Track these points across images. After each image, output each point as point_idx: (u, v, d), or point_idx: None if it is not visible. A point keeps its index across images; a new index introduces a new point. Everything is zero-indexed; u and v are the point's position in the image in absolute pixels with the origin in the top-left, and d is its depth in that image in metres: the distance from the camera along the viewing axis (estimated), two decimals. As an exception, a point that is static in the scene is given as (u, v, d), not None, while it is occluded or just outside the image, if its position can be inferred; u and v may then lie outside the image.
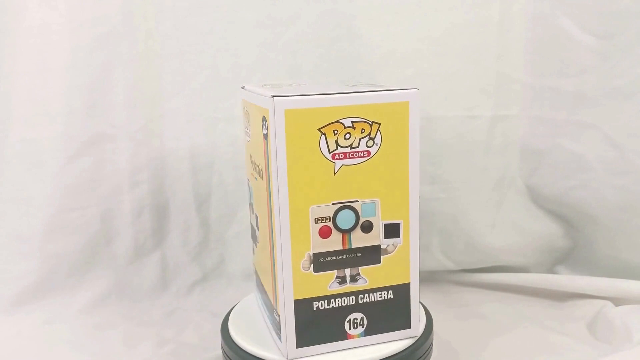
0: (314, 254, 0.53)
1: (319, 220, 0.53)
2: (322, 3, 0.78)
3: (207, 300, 0.83)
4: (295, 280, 0.53)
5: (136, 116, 0.81)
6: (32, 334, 0.75)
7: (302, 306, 0.54)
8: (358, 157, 0.52)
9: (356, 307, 0.55)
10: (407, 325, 0.56)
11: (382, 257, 0.54)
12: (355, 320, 0.55)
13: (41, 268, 0.81)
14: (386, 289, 0.55)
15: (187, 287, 0.85)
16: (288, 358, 0.54)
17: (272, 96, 0.50)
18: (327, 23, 0.79)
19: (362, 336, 0.55)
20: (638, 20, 0.72)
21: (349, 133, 0.51)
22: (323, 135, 0.51)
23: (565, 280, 0.81)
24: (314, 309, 0.54)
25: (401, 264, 0.54)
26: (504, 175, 0.82)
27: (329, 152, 0.51)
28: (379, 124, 0.52)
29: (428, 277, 0.87)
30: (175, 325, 0.77)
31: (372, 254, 0.54)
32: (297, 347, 0.54)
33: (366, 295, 0.55)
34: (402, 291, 0.55)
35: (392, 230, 0.54)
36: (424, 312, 0.61)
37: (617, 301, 0.75)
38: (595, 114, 0.76)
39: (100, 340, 0.74)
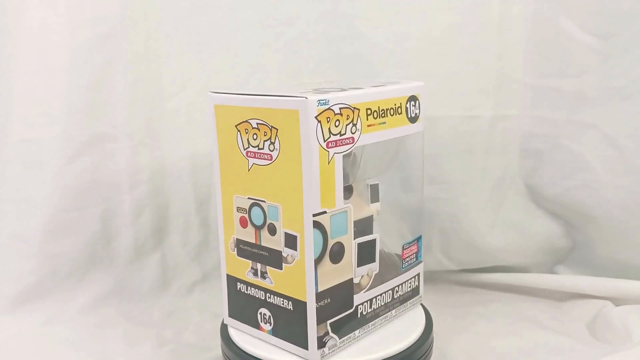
0: (236, 239, 0.57)
1: (240, 210, 0.56)
2: (322, 3, 0.78)
3: (207, 300, 0.83)
4: (226, 257, 0.59)
5: (136, 116, 0.81)
6: (32, 334, 0.75)
7: (231, 282, 0.59)
8: (264, 158, 0.53)
9: (265, 304, 0.56)
10: (306, 346, 0.54)
11: (283, 264, 0.54)
12: (264, 316, 0.57)
13: (41, 268, 0.81)
14: (286, 298, 0.55)
15: (187, 287, 0.85)
16: (223, 321, 0.61)
17: (209, 91, 0.55)
18: (327, 23, 0.79)
19: (270, 334, 0.57)
20: (638, 20, 0.72)
21: (256, 134, 0.53)
22: (238, 132, 0.54)
23: (565, 280, 0.81)
24: (238, 288, 0.58)
25: (298, 278, 0.53)
26: (504, 175, 0.82)
27: (244, 149, 0.54)
28: (277, 130, 0.51)
29: (428, 277, 0.86)
30: (175, 325, 0.77)
31: (275, 258, 0.54)
32: (228, 316, 0.60)
33: (272, 296, 0.56)
34: (300, 308, 0.54)
35: (290, 241, 0.53)
36: (423, 315, 0.61)
37: (617, 301, 0.75)
38: (595, 114, 0.76)
39: (100, 340, 0.74)
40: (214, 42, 0.80)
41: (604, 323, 0.72)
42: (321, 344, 0.53)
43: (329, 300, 0.53)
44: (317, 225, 0.51)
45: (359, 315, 0.56)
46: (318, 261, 0.52)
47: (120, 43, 0.79)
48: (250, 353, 0.56)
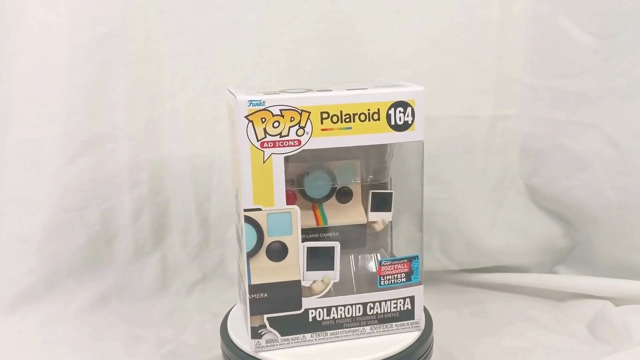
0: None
1: (236, 196, 0.58)
2: (322, 3, 0.78)
3: (207, 300, 0.83)
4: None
5: (136, 116, 0.81)
6: (32, 334, 0.75)
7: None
8: (235, 151, 0.55)
9: (242, 284, 0.59)
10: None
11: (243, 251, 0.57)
12: (243, 295, 0.59)
13: (41, 268, 0.81)
14: (242, 282, 0.57)
15: (187, 287, 0.85)
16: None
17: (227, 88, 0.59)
18: (327, 23, 0.79)
19: (244, 314, 0.59)
20: (638, 20, 0.72)
21: (233, 128, 0.55)
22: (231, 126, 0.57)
23: (565, 280, 0.81)
24: (238, 267, 0.61)
25: (245, 267, 0.55)
26: (504, 175, 0.82)
27: (231, 141, 0.57)
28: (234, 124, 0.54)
29: (428, 277, 0.86)
30: (175, 325, 0.77)
31: (241, 244, 0.57)
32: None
33: (242, 278, 0.58)
34: (244, 294, 0.55)
35: (241, 231, 0.55)
36: (423, 315, 0.61)
37: (617, 301, 0.75)
38: (595, 114, 0.76)
39: (100, 340, 0.74)
40: (214, 42, 0.80)
41: (604, 323, 0.72)
42: (256, 334, 0.55)
43: (265, 295, 0.54)
44: (249, 220, 0.52)
45: (310, 319, 0.56)
46: (251, 255, 0.53)
47: (120, 43, 0.79)
48: (250, 353, 0.56)
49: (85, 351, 0.71)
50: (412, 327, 0.59)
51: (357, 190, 0.61)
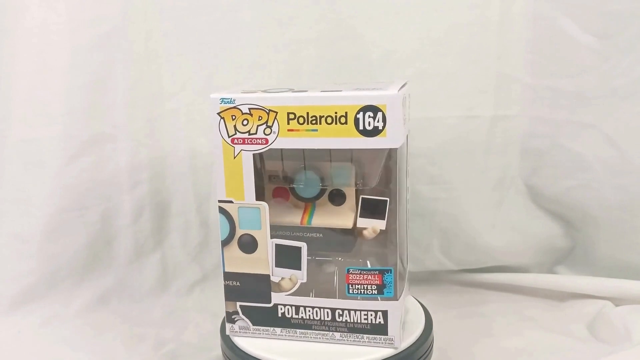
0: None
1: None
2: (322, 3, 0.78)
3: (207, 300, 0.83)
4: None
5: (136, 116, 0.81)
6: (32, 334, 0.75)
7: None
8: None
9: None
10: None
11: None
12: None
13: (41, 268, 0.81)
14: None
15: (187, 287, 0.85)
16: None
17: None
18: (327, 23, 0.79)
19: None
20: (638, 20, 0.72)
21: None
22: None
23: (565, 280, 0.81)
24: None
25: None
26: (504, 175, 0.82)
27: None
28: None
29: (428, 277, 0.87)
30: (175, 325, 0.77)
31: None
32: None
33: None
34: None
35: None
36: (423, 315, 0.61)
37: (617, 301, 0.75)
38: (595, 114, 0.76)
39: (100, 340, 0.74)
40: (214, 42, 0.80)
41: (604, 323, 0.72)
42: (230, 319, 0.58)
43: (238, 283, 0.57)
44: (222, 211, 0.55)
45: (279, 314, 0.57)
46: (225, 244, 0.56)
47: (120, 43, 0.79)
48: (250, 353, 0.56)
49: (86, 351, 0.71)
50: (385, 343, 0.56)
51: (351, 194, 0.58)
